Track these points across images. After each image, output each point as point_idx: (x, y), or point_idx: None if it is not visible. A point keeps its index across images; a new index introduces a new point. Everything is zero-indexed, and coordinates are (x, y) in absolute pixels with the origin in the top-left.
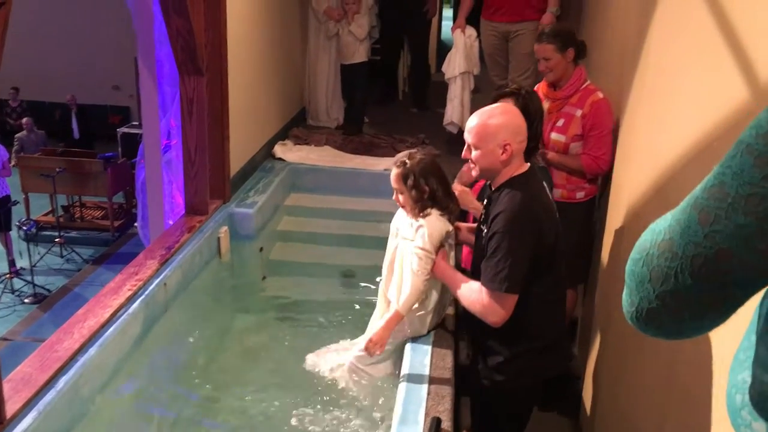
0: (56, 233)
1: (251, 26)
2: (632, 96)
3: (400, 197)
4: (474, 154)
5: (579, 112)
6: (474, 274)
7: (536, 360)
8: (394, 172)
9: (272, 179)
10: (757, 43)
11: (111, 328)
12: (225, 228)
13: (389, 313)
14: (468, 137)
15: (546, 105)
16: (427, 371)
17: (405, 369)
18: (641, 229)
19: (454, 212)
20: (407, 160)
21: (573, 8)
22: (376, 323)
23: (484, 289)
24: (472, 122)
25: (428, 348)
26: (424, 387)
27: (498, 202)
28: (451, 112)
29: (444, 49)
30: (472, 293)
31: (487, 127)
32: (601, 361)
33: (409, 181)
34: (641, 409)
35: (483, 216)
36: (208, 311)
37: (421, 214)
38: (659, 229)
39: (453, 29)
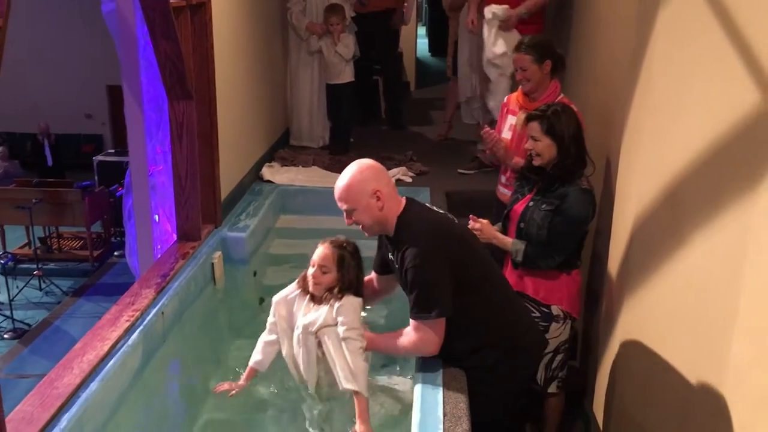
0: (34, 266)
1: (235, 47)
2: (635, 106)
3: (324, 276)
4: (355, 215)
5: None
6: None
7: (511, 362)
8: (330, 251)
9: (262, 202)
10: (766, 47)
11: (111, 362)
12: (219, 253)
13: (357, 405)
14: (342, 205)
15: (520, 116)
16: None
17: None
18: (651, 239)
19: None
20: (345, 244)
21: (554, 17)
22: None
23: (412, 324)
24: (338, 190)
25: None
26: None
27: (399, 243)
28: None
29: (421, 66)
30: (403, 339)
31: (351, 186)
32: (615, 378)
33: (345, 265)
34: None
35: (393, 261)
36: (205, 339)
37: (338, 297)
38: None
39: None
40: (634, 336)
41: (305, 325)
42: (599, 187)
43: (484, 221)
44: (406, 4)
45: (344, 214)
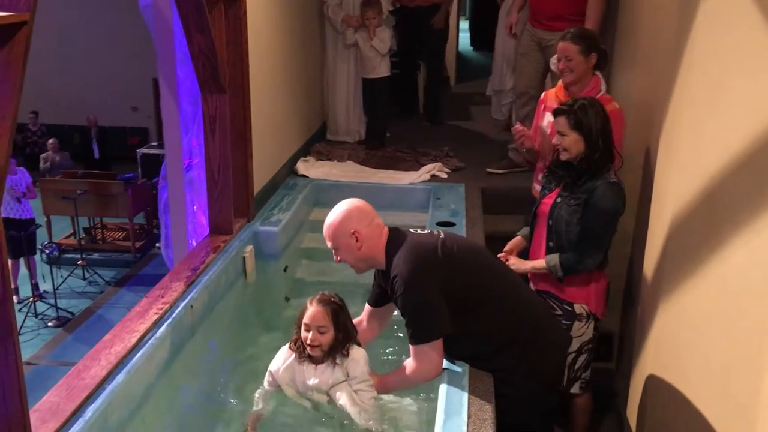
0: (78, 256)
1: (271, 40)
2: (674, 102)
3: (323, 336)
4: (339, 254)
5: None
6: None
7: (531, 362)
8: (322, 309)
9: (296, 196)
10: None
11: (138, 354)
12: (250, 247)
13: None
14: (328, 243)
15: None
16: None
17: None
18: (688, 239)
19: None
20: (333, 299)
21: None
22: None
23: (412, 351)
24: (324, 229)
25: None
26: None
27: (388, 274)
28: None
29: (462, 60)
30: (407, 370)
31: (333, 226)
32: (651, 380)
33: (341, 320)
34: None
35: (388, 290)
36: (234, 333)
37: (344, 354)
38: None
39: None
40: (668, 340)
41: (314, 386)
42: (637, 186)
43: (511, 259)
44: None
45: (333, 252)
